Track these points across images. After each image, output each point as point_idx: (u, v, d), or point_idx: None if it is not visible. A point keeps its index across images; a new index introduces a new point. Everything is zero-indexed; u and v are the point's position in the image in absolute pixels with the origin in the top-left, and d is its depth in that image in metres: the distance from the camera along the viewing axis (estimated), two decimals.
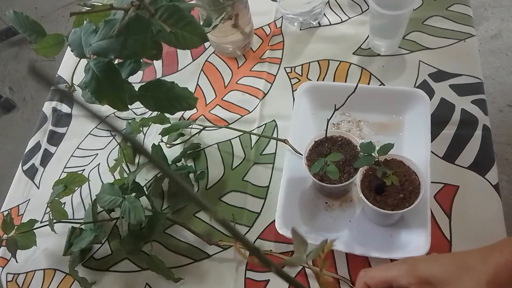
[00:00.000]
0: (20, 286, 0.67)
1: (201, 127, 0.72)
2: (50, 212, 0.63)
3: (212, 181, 0.70)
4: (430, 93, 0.69)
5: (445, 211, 0.60)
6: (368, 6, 0.80)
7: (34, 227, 0.62)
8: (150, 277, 0.63)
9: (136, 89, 0.51)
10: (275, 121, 0.72)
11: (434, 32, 0.75)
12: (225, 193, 0.68)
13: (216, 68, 0.81)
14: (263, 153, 0.70)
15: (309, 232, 0.59)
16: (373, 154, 0.53)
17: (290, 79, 0.76)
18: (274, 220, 0.58)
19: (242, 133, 0.71)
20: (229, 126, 0.73)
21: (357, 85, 0.58)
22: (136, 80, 0.83)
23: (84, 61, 0.45)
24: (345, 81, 0.74)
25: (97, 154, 0.77)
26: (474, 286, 0.36)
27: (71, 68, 0.89)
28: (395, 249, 0.56)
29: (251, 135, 0.72)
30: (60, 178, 0.65)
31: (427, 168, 0.57)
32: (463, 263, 0.38)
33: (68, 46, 0.48)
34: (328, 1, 0.83)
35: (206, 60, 0.82)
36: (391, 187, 0.54)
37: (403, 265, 0.41)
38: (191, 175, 0.69)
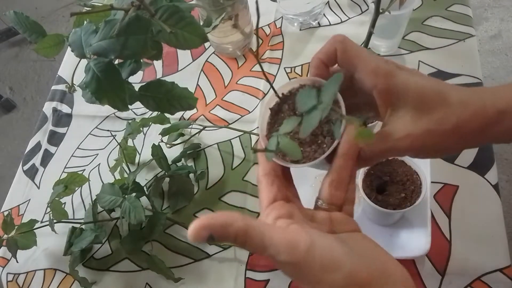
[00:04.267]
0: (21, 286, 0.67)
1: (201, 127, 0.72)
2: (51, 212, 0.63)
3: (212, 181, 0.70)
4: None
5: (444, 211, 0.60)
6: (368, 6, 0.80)
7: (35, 227, 0.62)
8: (150, 277, 0.63)
9: (136, 89, 0.51)
10: None
11: (433, 32, 0.75)
12: (225, 193, 0.68)
13: (216, 68, 0.81)
14: None
15: None
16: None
17: (290, 79, 0.76)
18: None
19: (242, 133, 0.71)
20: (229, 126, 0.73)
21: None
22: (136, 80, 0.83)
23: (84, 61, 0.45)
24: None
25: (97, 154, 0.77)
26: (438, 122, 0.30)
27: (72, 68, 0.89)
28: (395, 249, 0.56)
29: (251, 135, 0.72)
30: (61, 178, 0.65)
31: (427, 168, 0.57)
32: (446, 94, 0.31)
33: (68, 46, 0.48)
34: (328, 2, 0.83)
35: (206, 60, 0.83)
36: (392, 186, 0.54)
37: (383, 64, 0.32)
38: (191, 175, 0.69)
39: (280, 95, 0.36)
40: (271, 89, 0.36)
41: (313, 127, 0.30)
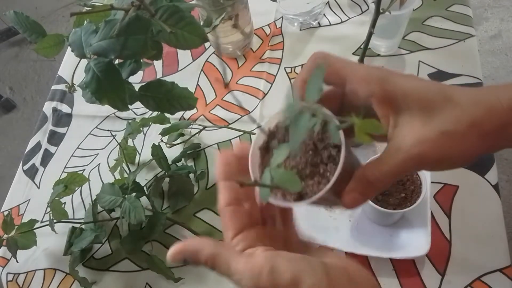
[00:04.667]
0: (21, 286, 0.67)
1: (201, 127, 0.72)
2: (51, 212, 0.63)
3: (212, 181, 0.70)
4: None
5: (444, 211, 0.60)
6: (368, 6, 0.80)
7: (35, 227, 0.62)
8: (150, 277, 0.63)
9: (136, 89, 0.51)
10: None
11: (433, 32, 0.75)
12: None
13: (216, 68, 0.81)
14: None
15: (309, 232, 0.59)
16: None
17: (290, 79, 0.76)
18: None
19: (242, 133, 0.71)
20: (229, 126, 0.73)
21: None
22: (136, 80, 0.83)
23: (84, 61, 0.45)
24: None
25: (97, 154, 0.77)
26: (453, 122, 0.27)
27: (72, 68, 0.89)
28: (395, 249, 0.56)
29: (251, 135, 0.72)
30: (61, 178, 0.65)
31: None
32: (449, 94, 0.28)
33: (69, 46, 0.48)
34: (328, 2, 0.83)
35: (206, 60, 0.83)
36: (392, 186, 0.54)
37: (374, 70, 0.29)
38: (191, 175, 0.69)
39: (267, 131, 0.31)
40: (258, 128, 0.32)
41: (303, 136, 0.25)
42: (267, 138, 0.31)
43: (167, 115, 0.69)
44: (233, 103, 0.76)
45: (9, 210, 0.75)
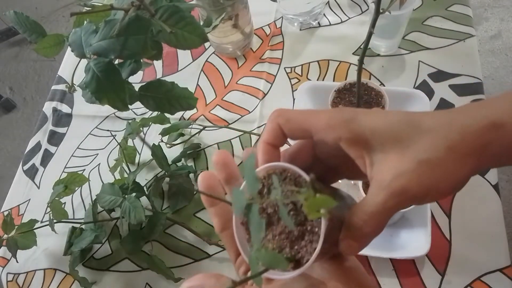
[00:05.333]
0: (21, 286, 0.67)
1: (201, 127, 0.72)
2: (51, 212, 0.63)
3: None
4: (430, 93, 0.69)
5: (444, 211, 0.60)
6: (368, 6, 0.80)
7: (35, 227, 0.62)
8: (150, 277, 0.63)
9: (136, 89, 0.51)
10: None
11: (433, 32, 0.75)
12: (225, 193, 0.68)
13: (216, 68, 0.81)
14: None
15: None
16: None
17: (290, 79, 0.76)
18: None
19: (242, 133, 0.71)
20: (229, 126, 0.73)
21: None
22: (136, 80, 0.83)
23: (84, 61, 0.45)
24: None
25: (97, 154, 0.77)
26: (428, 150, 0.25)
27: (72, 68, 0.89)
28: (395, 249, 0.56)
29: (251, 135, 0.72)
30: (61, 178, 0.65)
31: None
32: (418, 122, 0.26)
33: (69, 46, 0.48)
34: (328, 2, 0.83)
35: (206, 60, 0.83)
36: None
37: (337, 113, 0.27)
38: (191, 175, 0.69)
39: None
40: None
41: (260, 229, 0.24)
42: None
43: (167, 115, 0.69)
44: (233, 103, 0.76)
45: (9, 210, 0.75)
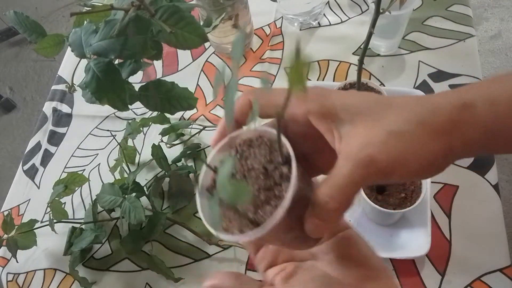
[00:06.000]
0: (21, 286, 0.67)
1: (201, 127, 0.72)
2: (51, 212, 0.63)
3: None
4: (430, 93, 0.69)
5: (444, 211, 0.60)
6: (368, 6, 0.80)
7: (35, 227, 0.62)
8: (150, 277, 0.63)
9: (136, 89, 0.51)
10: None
11: (433, 32, 0.75)
12: None
13: (216, 68, 0.81)
14: None
15: None
16: None
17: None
18: None
19: None
20: None
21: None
22: (136, 80, 0.83)
23: (84, 61, 0.45)
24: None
25: (97, 154, 0.77)
26: (400, 122, 0.25)
27: (72, 68, 0.89)
28: (395, 249, 0.56)
29: None
30: (61, 178, 0.65)
31: None
32: (389, 100, 0.26)
33: (69, 46, 0.48)
34: (328, 2, 0.83)
35: (206, 60, 0.83)
36: (392, 186, 0.54)
37: (310, 89, 0.27)
38: (191, 175, 0.69)
39: (213, 167, 0.27)
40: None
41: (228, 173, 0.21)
42: (215, 173, 0.27)
43: (167, 115, 0.69)
44: None
45: (9, 210, 0.75)
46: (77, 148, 0.79)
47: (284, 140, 0.25)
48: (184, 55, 0.84)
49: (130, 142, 0.71)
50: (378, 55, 0.75)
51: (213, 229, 0.24)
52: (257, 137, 0.27)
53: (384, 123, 0.25)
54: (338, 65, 0.76)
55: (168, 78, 0.58)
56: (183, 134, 0.74)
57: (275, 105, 0.27)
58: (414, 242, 0.55)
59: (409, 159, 0.24)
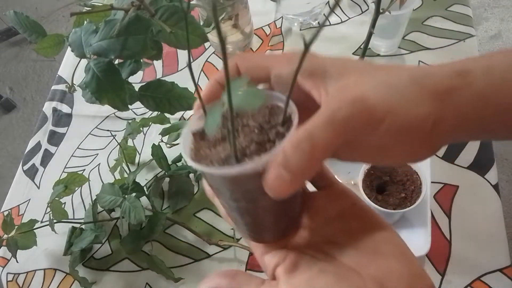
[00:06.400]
0: (21, 286, 0.67)
1: None
2: (51, 212, 0.63)
3: None
4: None
5: (444, 211, 0.60)
6: (368, 6, 0.80)
7: (35, 227, 0.62)
8: (150, 277, 0.63)
9: (136, 89, 0.51)
10: None
11: (433, 32, 0.75)
12: None
13: (216, 68, 0.81)
14: None
15: None
16: None
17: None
18: None
19: None
20: None
21: None
22: (136, 80, 0.83)
23: (84, 61, 0.45)
24: None
25: (97, 154, 0.77)
26: (392, 76, 0.23)
27: (72, 68, 0.89)
28: None
29: None
30: (61, 178, 0.65)
31: (427, 168, 0.57)
32: (381, 64, 0.25)
33: (69, 46, 0.48)
34: (328, 2, 0.83)
35: (206, 60, 0.83)
36: (392, 186, 0.54)
37: (297, 51, 0.24)
38: (191, 175, 0.69)
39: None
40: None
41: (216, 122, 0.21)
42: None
43: (167, 115, 0.69)
44: None
45: (9, 210, 0.75)
46: (77, 148, 0.79)
47: (290, 102, 0.23)
48: (184, 55, 0.84)
49: (130, 142, 0.71)
50: (378, 55, 0.75)
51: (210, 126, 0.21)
52: None
53: (375, 75, 0.23)
54: None
55: (168, 78, 0.58)
56: None
57: (261, 66, 0.26)
58: (414, 242, 0.55)
59: (399, 111, 0.22)
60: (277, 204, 0.24)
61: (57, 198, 0.63)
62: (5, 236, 0.61)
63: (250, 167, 0.21)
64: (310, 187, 0.30)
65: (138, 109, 0.79)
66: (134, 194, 0.61)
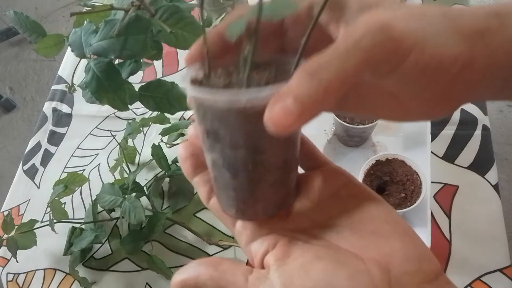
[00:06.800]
0: (21, 286, 0.67)
1: None
2: (51, 212, 0.63)
3: None
4: None
5: (444, 211, 0.60)
6: None
7: (35, 227, 0.62)
8: (150, 277, 0.63)
9: (136, 89, 0.51)
10: None
11: None
12: None
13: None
14: None
15: None
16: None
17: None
18: None
19: None
20: None
21: None
22: (136, 80, 0.83)
23: (84, 61, 0.45)
24: None
25: (97, 154, 0.77)
26: (423, 8, 0.21)
27: (72, 68, 0.89)
28: None
29: None
30: (61, 178, 0.65)
31: (427, 168, 0.57)
32: (408, 3, 0.22)
33: (69, 46, 0.48)
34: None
35: None
36: (392, 186, 0.54)
37: None
38: None
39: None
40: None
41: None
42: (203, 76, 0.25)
43: (167, 115, 0.69)
44: None
45: (9, 210, 0.75)
46: (77, 148, 0.79)
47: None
48: (184, 55, 0.84)
49: (130, 142, 0.71)
50: None
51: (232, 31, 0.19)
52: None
53: (404, 8, 0.21)
54: None
55: (168, 78, 0.58)
56: (183, 134, 0.74)
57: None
58: None
59: (427, 45, 0.19)
60: (279, 162, 0.22)
61: (57, 198, 0.63)
62: (5, 236, 0.61)
63: (264, 94, 0.18)
64: (301, 171, 0.27)
65: (138, 109, 0.79)
66: (134, 194, 0.61)
